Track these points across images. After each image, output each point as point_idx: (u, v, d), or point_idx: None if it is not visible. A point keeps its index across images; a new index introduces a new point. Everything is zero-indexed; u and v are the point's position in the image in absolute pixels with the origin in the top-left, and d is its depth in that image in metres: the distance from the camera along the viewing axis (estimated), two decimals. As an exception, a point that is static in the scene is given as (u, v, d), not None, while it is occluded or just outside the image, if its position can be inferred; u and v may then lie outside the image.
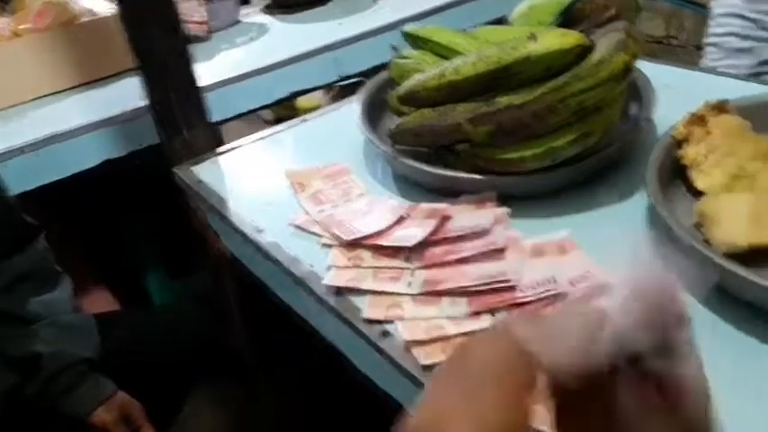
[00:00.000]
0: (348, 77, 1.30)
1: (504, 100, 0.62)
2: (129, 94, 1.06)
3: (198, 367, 1.09)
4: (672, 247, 0.57)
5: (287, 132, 0.92)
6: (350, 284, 0.59)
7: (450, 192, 0.68)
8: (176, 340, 1.06)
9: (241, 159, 0.87)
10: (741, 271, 0.47)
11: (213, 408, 1.28)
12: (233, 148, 0.90)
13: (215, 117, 1.00)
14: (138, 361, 0.98)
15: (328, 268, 0.62)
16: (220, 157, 0.89)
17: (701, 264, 0.53)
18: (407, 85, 0.71)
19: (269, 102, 1.24)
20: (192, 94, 0.93)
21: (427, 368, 0.50)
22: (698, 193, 0.61)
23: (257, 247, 0.69)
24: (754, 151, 0.62)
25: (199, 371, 1.10)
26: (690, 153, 0.62)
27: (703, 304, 0.52)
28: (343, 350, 0.59)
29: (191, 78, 0.92)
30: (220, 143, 0.94)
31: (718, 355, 0.47)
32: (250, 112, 1.23)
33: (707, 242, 0.54)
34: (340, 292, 0.59)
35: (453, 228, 0.63)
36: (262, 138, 0.91)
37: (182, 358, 1.05)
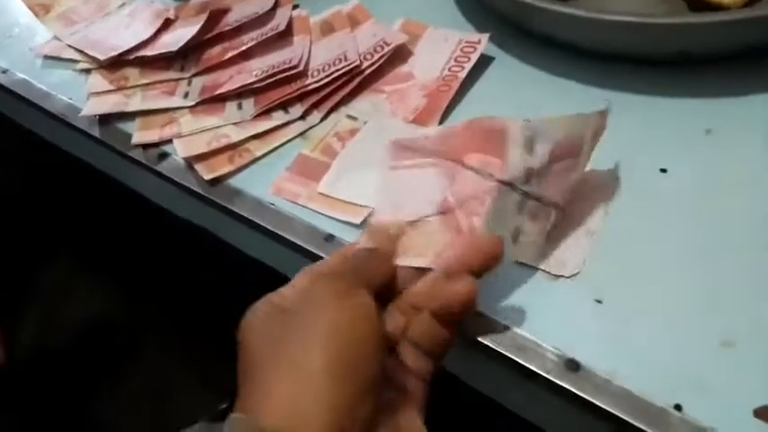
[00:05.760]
0: None
1: None
2: None
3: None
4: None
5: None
6: (113, 110, 0.49)
7: (227, -19, 0.57)
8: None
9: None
10: (538, 1, 0.42)
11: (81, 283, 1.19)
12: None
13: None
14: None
15: (88, 97, 0.51)
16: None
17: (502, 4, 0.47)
18: None
19: None
20: None
21: (214, 182, 0.43)
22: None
23: (4, 90, 0.56)
24: None
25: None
26: None
27: (505, 49, 0.47)
28: (125, 182, 0.50)
29: None
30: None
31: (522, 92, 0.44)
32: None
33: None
34: (105, 120, 0.49)
35: (230, 20, 0.53)
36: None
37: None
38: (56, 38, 0.58)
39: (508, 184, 0.32)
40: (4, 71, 0.57)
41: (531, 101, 0.43)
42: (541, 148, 0.32)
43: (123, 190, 0.51)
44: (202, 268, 1.05)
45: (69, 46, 0.56)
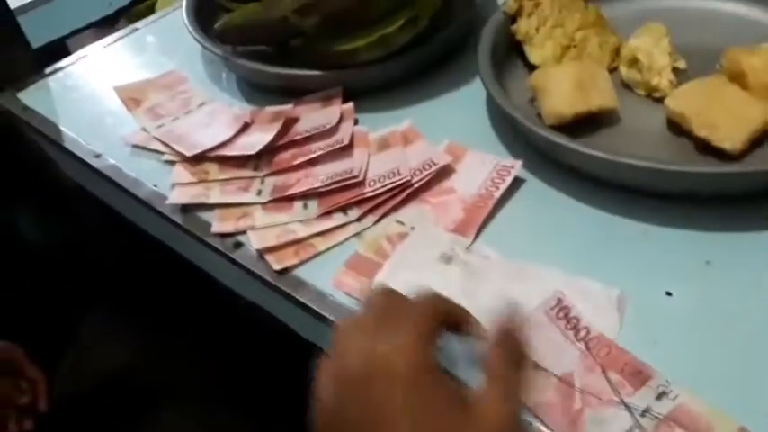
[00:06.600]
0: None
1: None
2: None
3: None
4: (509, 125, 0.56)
5: (117, 44, 0.84)
6: (195, 201, 0.57)
7: (295, 92, 0.66)
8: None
9: (71, 80, 0.80)
10: (564, 141, 0.49)
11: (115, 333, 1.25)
12: (59, 69, 0.81)
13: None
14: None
15: (172, 186, 0.59)
16: (49, 80, 0.80)
17: (533, 138, 0.55)
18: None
19: (110, 11, 1.15)
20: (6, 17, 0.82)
21: (281, 272, 0.50)
22: (534, 69, 0.62)
23: (97, 173, 0.65)
24: (582, 20, 0.63)
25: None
26: (522, 27, 0.63)
27: (535, 174, 0.54)
28: (198, 264, 0.58)
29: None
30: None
31: (549, 214, 0.51)
32: (92, 25, 1.14)
33: (540, 116, 0.56)
34: (187, 209, 0.57)
35: (300, 129, 0.61)
36: (92, 53, 0.83)
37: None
38: (143, 129, 0.66)
39: (628, 409, 0.36)
40: (98, 156, 0.66)
41: (556, 222, 0.50)
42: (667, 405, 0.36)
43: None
44: (235, 336, 1.11)
45: (156, 138, 0.65)
